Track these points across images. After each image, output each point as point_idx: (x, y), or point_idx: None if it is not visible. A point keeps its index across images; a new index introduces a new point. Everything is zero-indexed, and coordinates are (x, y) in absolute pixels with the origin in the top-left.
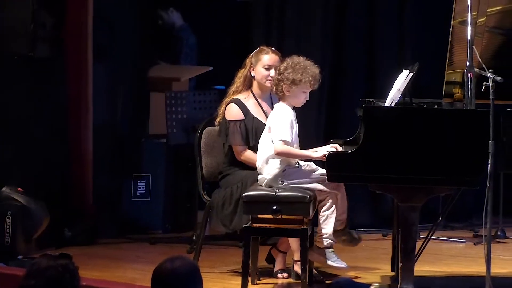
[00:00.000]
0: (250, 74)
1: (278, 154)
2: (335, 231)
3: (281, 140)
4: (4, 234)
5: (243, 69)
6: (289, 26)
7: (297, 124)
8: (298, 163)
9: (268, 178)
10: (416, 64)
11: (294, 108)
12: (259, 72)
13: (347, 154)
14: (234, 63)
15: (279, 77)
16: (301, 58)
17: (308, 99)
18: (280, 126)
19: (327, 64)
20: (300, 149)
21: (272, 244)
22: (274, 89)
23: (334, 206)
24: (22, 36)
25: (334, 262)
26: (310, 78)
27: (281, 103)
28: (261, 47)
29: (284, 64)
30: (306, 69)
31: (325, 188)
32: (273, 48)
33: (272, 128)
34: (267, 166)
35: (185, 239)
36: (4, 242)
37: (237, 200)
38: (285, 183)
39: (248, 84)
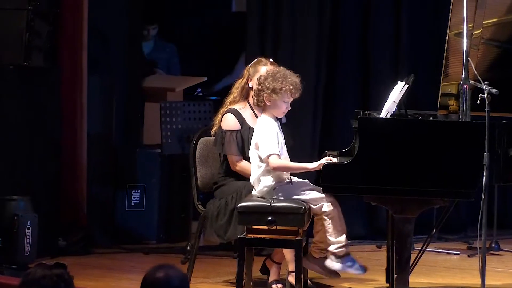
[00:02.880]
0: (248, 85)
1: (275, 169)
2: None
3: (272, 154)
4: (25, 244)
5: (241, 80)
6: (284, 37)
7: (282, 134)
8: (291, 179)
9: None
10: (411, 76)
11: (277, 119)
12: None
13: (342, 165)
14: (229, 74)
15: (259, 87)
16: (281, 68)
17: (289, 108)
18: (266, 140)
19: (322, 75)
20: (290, 160)
21: (267, 254)
22: (255, 100)
23: (331, 218)
24: (17, 45)
25: (352, 268)
26: (291, 87)
27: (263, 115)
28: (259, 58)
29: (265, 74)
30: (286, 78)
31: (320, 195)
32: (271, 60)
33: (259, 144)
34: (258, 184)
35: (179, 249)
36: (24, 253)
37: (232, 211)
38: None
39: (245, 94)
